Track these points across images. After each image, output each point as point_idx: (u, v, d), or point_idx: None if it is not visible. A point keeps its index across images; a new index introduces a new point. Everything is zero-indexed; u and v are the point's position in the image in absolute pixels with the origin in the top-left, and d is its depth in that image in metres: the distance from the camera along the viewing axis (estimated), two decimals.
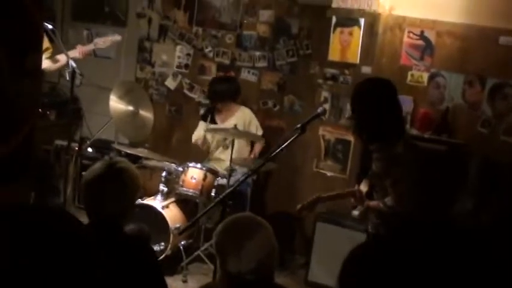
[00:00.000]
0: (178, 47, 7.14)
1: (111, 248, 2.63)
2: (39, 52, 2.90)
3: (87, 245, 2.16)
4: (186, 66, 7.13)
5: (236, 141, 6.03)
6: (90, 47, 6.18)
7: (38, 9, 2.71)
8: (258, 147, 6.42)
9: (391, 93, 4.05)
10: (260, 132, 6.38)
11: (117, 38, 6.29)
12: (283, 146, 4.08)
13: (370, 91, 4.06)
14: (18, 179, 2.86)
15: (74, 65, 5.62)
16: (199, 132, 6.39)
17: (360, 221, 4.85)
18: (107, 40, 6.28)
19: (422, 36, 5.95)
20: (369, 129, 4.00)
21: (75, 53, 6.00)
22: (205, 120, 6.31)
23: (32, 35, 2.70)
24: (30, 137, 2.90)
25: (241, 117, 6.35)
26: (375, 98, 4.00)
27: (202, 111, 6.91)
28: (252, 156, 6.35)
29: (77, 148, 6.62)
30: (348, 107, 5.98)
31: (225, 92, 6.29)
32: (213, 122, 6.34)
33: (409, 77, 5.97)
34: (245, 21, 6.83)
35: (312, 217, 6.03)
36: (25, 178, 2.98)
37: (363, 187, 4.24)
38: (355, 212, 4.37)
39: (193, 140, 6.48)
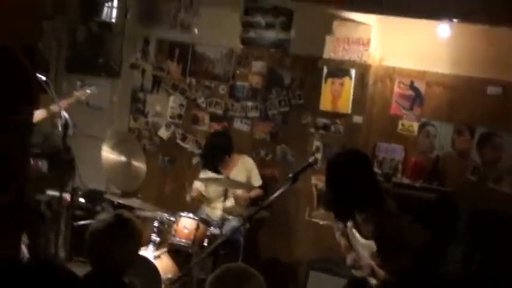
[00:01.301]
0: (172, 98, 7.21)
1: None
2: (31, 104, 2.95)
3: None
4: (179, 116, 7.19)
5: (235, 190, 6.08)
6: (71, 99, 6.27)
7: (30, 61, 2.76)
8: (254, 193, 6.39)
9: (362, 164, 4.08)
10: (259, 182, 6.40)
11: (93, 90, 6.43)
12: (275, 195, 4.11)
13: (340, 168, 4.11)
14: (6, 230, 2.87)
15: (67, 115, 5.66)
16: (198, 183, 6.44)
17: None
18: (84, 92, 6.40)
19: (412, 86, 6.05)
20: (347, 204, 4.02)
21: (70, 100, 6.11)
22: (208, 168, 6.34)
23: (25, 87, 2.74)
24: (21, 189, 2.93)
25: (244, 166, 6.38)
26: (350, 170, 4.02)
27: (195, 161, 6.96)
28: (246, 196, 6.30)
29: (69, 199, 6.62)
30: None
31: (219, 148, 6.29)
32: (217, 172, 6.34)
33: (399, 126, 6.05)
34: (238, 72, 6.92)
35: (305, 265, 6.04)
36: (15, 231, 2.99)
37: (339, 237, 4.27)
38: (349, 262, 4.38)
39: (192, 194, 6.51)
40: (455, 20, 5.68)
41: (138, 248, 3.12)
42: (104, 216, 3.09)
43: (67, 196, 6.55)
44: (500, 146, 5.70)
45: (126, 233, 2.97)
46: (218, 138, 6.44)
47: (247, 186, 6.29)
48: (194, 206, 6.50)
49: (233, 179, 6.05)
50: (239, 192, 6.24)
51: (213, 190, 6.47)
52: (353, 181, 3.97)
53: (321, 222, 6.37)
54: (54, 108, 5.91)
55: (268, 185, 6.55)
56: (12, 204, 2.87)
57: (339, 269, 5.69)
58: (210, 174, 6.34)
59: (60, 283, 1.93)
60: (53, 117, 6.23)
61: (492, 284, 5.29)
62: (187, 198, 6.42)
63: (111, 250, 2.94)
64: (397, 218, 3.99)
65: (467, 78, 5.83)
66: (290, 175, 4.10)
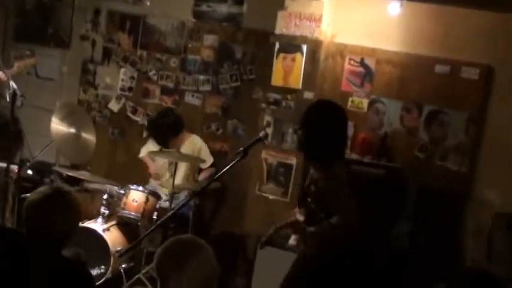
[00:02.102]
0: (122, 70, 7.15)
1: (48, 268, 2.63)
2: None
3: (30, 254, 2.17)
4: (130, 89, 7.13)
5: (183, 170, 6.06)
6: (13, 71, 6.14)
7: None
8: (205, 173, 6.43)
9: (342, 119, 4.19)
10: (210, 160, 6.42)
11: (36, 60, 6.30)
12: (224, 170, 4.12)
13: (322, 112, 4.20)
14: None
15: (15, 86, 5.56)
16: (146, 150, 6.44)
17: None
18: (26, 63, 6.27)
19: (362, 63, 6.10)
20: (314, 147, 4.11)
21: (13, 71, 5.98)
22: (158, 144, 6.35)
23: None
24: None
25: (190, 145, 6.39)
26: (327, 120, 4.12)
27: (145, 134, 6.93)
28: (198, 179, 6.37)
29: (16, 170, 6.52)
30: (290, 131, 6.10)
31: (165, 128, 6.28)
32: (166, 147, 6.34)
33: (349, 103, 6.11)
34: (189, 46, 6.89)
35: (254, 239, 6.08)
36: None
37: (300, 216, 4.30)
38: (292, 242, 4.42)
39: (140, 155, 6.51)
40: None
41: (76, 221, 3.08)
42: (42, 188, 3.04)
43: (15, 168, 6.46)
44: (447, 123, 5.80)
45: (63, 206, 2.94)
46: (162, 117, 6.41)
47: (196, 159, 6.29)
48: (144, 178, 6.50)
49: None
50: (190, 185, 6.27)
51: (161, 165, 6.47)
52: (332, 126, 4.09)
53: (271, 197, 6.41)
54: (1, 77, 5.80)
55: (218, 158, 6.58)
56: None
57: (287, 242, 5.75)
58: (151, 145, 6.35)
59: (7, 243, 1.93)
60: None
61: (437, 258, 5.42)
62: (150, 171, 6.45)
63: (47, 222, 2.90)
64: (345, 182, 4.07)
65: (416, 57, 5.90)
66: (240, 149, 4.10)
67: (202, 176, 6.45)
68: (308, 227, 4.16)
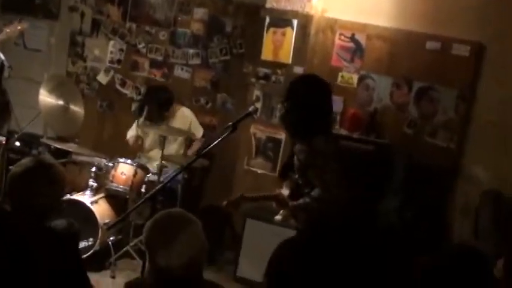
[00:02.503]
0: (111, 42, 7.10)
1: (33, 239, 2.63)
2: None
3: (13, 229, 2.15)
4: (119, 61, 7.09)
5: (174, 142, 6.05)
6: (1, 36, 6.07)
7: None
8: (196, 146, 6.41)
9: (326, 93, 4.19)
10: (200, 133, 6.40)
11: (24, 25, 6.21)
12: (214, 144, 4.11)
13: (307, 86, 4.19)
14: None
15: (3, 57, 5.52)
16: (134, 130, 6.40)
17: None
18: (15, 28, 6.19)
19: (353, 38, 6.08)
20: (297, 121, 4.11)
21: (1, 36, 5.91)
22: (149, 120, 6.33)
23: None
24: None
25: (181, 118, 6.36)
26: (310, 94, 4.12)
27: (134, 107, 6.90)
28: (190, 153, 6.35)
29: (4, 142, 6.48)
30: (280, 106, 6.09)
31: (157, 104, 6.25)
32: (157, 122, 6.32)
33: (339, 78, 6.09)
34: (179, 19, 6.84)
35: (241, 213, 6.09)
36: None
37: (284, 191, 4.32)
38: (278, 217, 4.43)
39: (127, 137, 6.48)
40: None
41: (60, 194, 3.07)
42: (25, 160, 3.03)
43: (2, 139, 6.42)
44: (436, 100, 5.80)
45: (45, 178, 2.92)
46: (158, 92, 6.38)
47: (187, 133, 6.28)
48: (132, 152, 6.48)
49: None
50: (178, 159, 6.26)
51: (150, 139, 6.45)
52: (315, 100, 4.09)
53: (259, 171, 6.42)
54: None
55: (207, 132, 6.57)
56: None
57: (274, 217, 5.77)
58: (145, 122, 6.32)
59: None
60: None
61: (424, 234, 5.45)
62: (128, 137, 6.42)
63: (29, 195, 2.89)
64: (329, 156, 4.08)
65: (407, 32, 5.88)
66: (230, 123, 4.09)
67: (194, 147, 6.41)
68: (293, 201, 4.19)
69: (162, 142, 5.85)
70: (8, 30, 6.11)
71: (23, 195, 2.88)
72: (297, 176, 4.22)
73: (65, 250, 2.93)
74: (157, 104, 6.25)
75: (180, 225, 2.65)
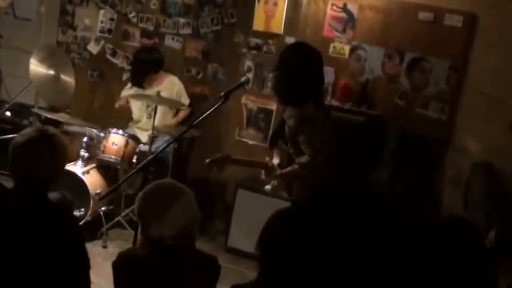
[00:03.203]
0: (102, 12, 7.02)
1: (35, 212, 2.62)
2: None
3: (10, 208, 2.15)
4: (109, 31, 7.03)
5: (160, 109, 6.03)
6: None
7: None
8: (182, 114, 6.41)
9: (316, 61, 4.21)
10: (187, 102, 6.37)
11: None
12: (206, 114, 4.11)
13: (298, 54, 4.21)
14: None
15: None
16: (123, 94, 6.41)
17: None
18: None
19: (345, 9, 6.05)
20: (288, 89, 4.15)
21: None
22: (133, 84, 6.32)
23: None
24: None
25: (169, 86, 6.33)
26: (301, 62, 4.15)
27: (124, 77, 6.87)
28: (174, 121, 6.35)
29: None
30: (271, 76, 6.07)
31: (147, 64, 6.23)
32: (141, 87, 6.30)
33: (331, 49, 6.07)
34: None
35: (233, 184, 6.11)
36: None
37: (275, 160, 4.34)
38: (268, 187, 4.46)
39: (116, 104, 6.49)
40: None
41: (62, 164, 3.07)
42: (28, 130, 3.01)
43: None
44: (428, 71, 5.80)
45: (49, 148, 2.91)
46: (146, 53, 6.36)
47: (175, 103, 6.25)
48: (125, 122, 6.47)
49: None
50: (167, 121, 6.26)
51: (139, 108, 6.42)
52: (301, 70, 4.12)
53: (250, 142, 6.43)
54: None
55: (198, 103, 6.55)
56: None
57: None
58: (135, 90, 6.30)
59: None
60: None
61: (415, 205, 5.47)
62: (116, 105, 6.40)
63: (33, 165, 2.88)
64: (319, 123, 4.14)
65: (399, 3, 5.86)
66: (221, 94, 4.09)
67: (180, 116, 6.40)
68: (282, 169, 4.21)
69: (153, 111, 5.83)
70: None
71: (25, 166, 2.87)
72: (287, 145, 4.24)
73: (64, 223, 2.94)
74: (146, 64, 6.22)
75: (172, 196, 2.66)
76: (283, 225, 2.36)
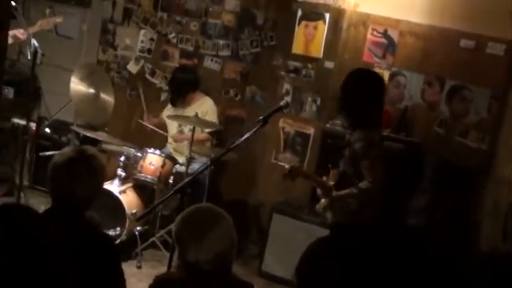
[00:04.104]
0: (142, 31, 7.10)
1: (72, 232, 2.62)
2: (4, 30, 2.86)
3: (44, 236, 2.14)
4: (149, 51, 7.09)
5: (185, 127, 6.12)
6: (34, 28, 6.10)
7: None
8: (201, 137, 6.32)
9: (381, 86, 4.33)
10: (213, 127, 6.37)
11: (58, 19, 6.27)
12: (244, 137, 4.09)
13: (373, 79, 4.33)
14: None
15: (37, 44, 5.54)
16: (164, 114, 6.47)
17: (317, 215, 4.92)
18: (49, 21, 6.24)
19: (385, 34, 6.02)
20: (355, 114, 4.21)
21: (34, 28, 5.95)
22: (171, 103, 6.37)
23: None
24: None
25: (199, 107, 6.33)
26: (376, 87, 4.26)
27: (163, 97, 6.92)
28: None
29: (34, 128, 6.52)
30: (309, 100, 6.06)
31: (183, 83, 6.26)
32: (178, 106, 6.34)
33: None
34: (210, 9, 6.81)
35: (268, 208, 6.08)
36: None
37: (331, 180, 4.35)
38: (319, 205, 4.45)
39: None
40: None
41: (100, 185, 3.06)
42: (67, 150, 3.02)
43: (32, 125, 6.46)
44: (469, 99, 5.73)
45: (87, 170, 2.91)
46: (182, 72, 6.38)
47: (212, 125, 6.23)
48: (162, 142, 6.49)
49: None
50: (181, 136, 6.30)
51: (173, 128, 6.45)
52: (368, 96, 4.20)
53: (286, 166, 6.37)
54: (19, 34, 5.76)
55: (235, 125, 6.56)
56: None
57: (302, 213, 5.76)
58: (172, 110, 6.34)
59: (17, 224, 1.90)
60: (19, 43, 6.09)
61: (452, 235, 5.40)
62: (144, 119, 6.43)
63: (71, 186, 2.88)
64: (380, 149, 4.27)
65: (441, 29, 5.81)
66: (260, 117, 4.08)
67: (199, 137, 6.34)
68: (338, 191, 4.26)
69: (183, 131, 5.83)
70: (42, 23, 6.14)
71: (64, 186, 2.88)
72: (344, 167, 4.27)
73: (101, 244, 2.94)
74: (182, 83, 6.25)
75: (210, 221, 2.65)
76: (323, 255, 2.33)
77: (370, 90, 4.22)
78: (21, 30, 5.81)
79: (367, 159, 4.10)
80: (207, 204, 2.91)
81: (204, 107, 6.33)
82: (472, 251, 5.42)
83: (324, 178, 4.41)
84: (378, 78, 4.39)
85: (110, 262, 2.95)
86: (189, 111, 6.15)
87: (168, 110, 6.45)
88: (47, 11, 6.83)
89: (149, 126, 6.38)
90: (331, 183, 4.34)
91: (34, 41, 5.54)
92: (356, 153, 4.15)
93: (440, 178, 5.62)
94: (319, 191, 4.40)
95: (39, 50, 5.54)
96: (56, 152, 4.57)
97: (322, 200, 4.39)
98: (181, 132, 6.35)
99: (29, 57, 5.67)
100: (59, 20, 6.31)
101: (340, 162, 4.39)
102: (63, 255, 2.26)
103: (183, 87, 6.27)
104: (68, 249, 2.29)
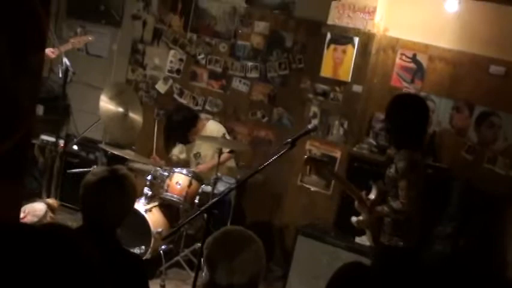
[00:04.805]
0: (172, 52, 7.16)
1: (103, 251, 2.63)
2: (42, 51, 2.91)
3: (80, 249, 2.16)
4: (178, 71, 7.14)
5: (204, 152, 6.19)
6: (66, 46, 6.19)
7: (46, 9, 2.72)
8: (223, 157, 6.33)
9: (423, 109, 4.38)
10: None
11: (90, 38, 6.37)
12: (272, 159, 4.10)
13: (420, 102, 4.46)
14: (10, 177, 2.84)
15: (68, 62, 5.62)
16: (174, 152, 6.54)
17: (342, 238, 4.91)
18: (81, 40, 6.33)
19: (414, 59, 6.02)
20: (401, 135, 4.28)
21: (66, 46, 6.05)
22: (181, 142, 6.45)
23: (37, 34, 2.70)
24: (27, 136, 2.90)
25: (209, 133, 6.33)
26: (411, 110, 4.31)
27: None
28: (213, 162, 6.30)
29: (62, 145, 6.60)
30: (336, 123, 6.07)
31: (182, 123, 6.30)
32: (188, 143, 6.45)
33: None
34: (240, 31, 6.86)
35: (293, 230, 6.07)
36: (18, 176, 2.96)
37: (372, 195, 4.37)
38: (354, 219, 4.45)
39: (170, 155, 6.56)
40: None
41: (131, 204, 3.07)
42: (99, 169, 3.04)
43: (60, 142, 6.54)
44: (497, 126, 5.70)
45: (119, 189, 2.92)
46: (176, 114, 6.41)
47: (240, 145, 6.24)
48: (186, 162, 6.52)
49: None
50: (203, 166, 6.31)
51: (193, 165, 6.48)
52: (412, 118, 4.30)
53: (312, 189, 6.38)
54: (50, 52, 5.85)
55: (262, 147, 6.58)
56: (13, 150, 2.83)
57: (327, 235, 5.75)
58: (181, 147, 6.40)
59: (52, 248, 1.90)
60: (50, 61, 6.17)
61: (478, 263, 5.35)
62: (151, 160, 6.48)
63: (103, 205, 2.89)
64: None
65: (470, 55, 5.80)
66: (289, 140, 4.08)
67: (222, 158, 6.35)
68: (376, 206, 4.32)
69: (198, 160, 5.86)
70: (73, 41, 6.24)
71: (96, 205, 2.90)
72: (387, 184, 4.32)
73: (131, 262, 2.95)
74: (181, 123, 6.30)
75: (243, 243, 2.64)
76: (353, 280, 2.33)
77: (416, 114, 4.31)
78: (52, 49, 5.90)
79: (405, 179, 4.13)
80: (237, 227, 2.90)
81: (209, 132, 6.32)
82: (499, 279, 5.37)
83: (372, 190, 4.44)
84: (423, 102, 4.50)
85: (139, 282, 2.96)
86: (199, 143, 6.31)
87: (178, 148, 6.50)
88: (79, 30, 6.94)
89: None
90: (372, 197, 4.38)
91: (66, 60, 5.63)
92: (397, 172, 4.19)
93: (467, 204, 5.58)
94: (356, 204, 4.40)
95: (70, 69, 5.62)
96: (84, 170, 4.64)
97: (361, 215, 4.41)
98: (198, 163, 6.37)
99: (60, 75, 5.75)
100: (90, 38, 6.41)
101: (373, 184, 4.41)
102: (98, 275, 2.27)
103: (183, 127, 6.31)
104: (101, 269, 2.29)
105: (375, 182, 4.45)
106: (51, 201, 5.31)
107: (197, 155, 6.44)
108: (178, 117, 6.34)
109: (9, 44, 2.56)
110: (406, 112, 4.31)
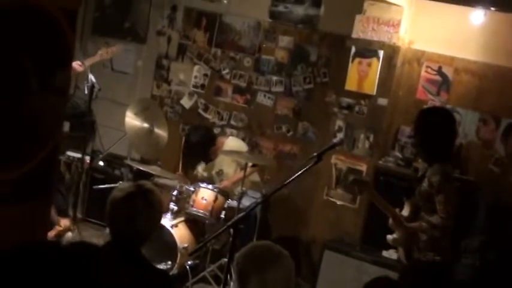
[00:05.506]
0: (196, 67, 7.19)
1: (130, 268, 2.64)
2: (68, 68, 2.93)
3: (107, 265, 2.17)
4: (203, 86, 7.17)
5: (226, 169, 6.25)
6: (95, 58, 6.24)
7: (72, 27, 2.74)
8: (247, 172, 6.32)
9: (452, 122, 4.40)
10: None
11: (118, 48, 6.42)
12: (298, 174, 4.08)
13: (448, 115, 4.46)
14: (38, 195, 2.86)
15: (94, 79, 5.66)
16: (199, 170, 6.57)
17: (369, 252, 4.88)
18: (109, 51, 6.38)
19: (439, 71, 5.99)
20: (431, 150, 4.28)
21: (94, 59, 6.10)
22: (203, 161, 6.48)
23: (63, 52, 2.73)
24: (54, 154, 2.92)
25: (228, 149, 6.33)
26: (441, 124, 4.32)
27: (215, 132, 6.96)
28: (238, 176, 6.29)
29: (88, 161, 6.64)
30: (362, 137, 6.04)
31: (201, 143, 6.31)
32: (210, 160, 6.48)
33: None
34: (264, 46, 6.87)
35: (319, 245, 6.05)
36: (46, 193, 2.98)
37: (404, 212, 4.34)
38: (390, 237, 4.42)
39: (195, 172, 6.57)
40: (493, 9, 5.62)
41: (158, 219, 3.08)
42: (125, 185, 3.05)
43: (87, 158, 6.58)
44: None
45: (146, 204, 2.93)
46: (194, 134, 6.41)
47: (266, 160, 6.25)
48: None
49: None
50: (227, 181, 6.30)
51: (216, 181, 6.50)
52: (440, 132, 4.29)
53: (338, 203, 6.35)
54: (77, 66, 5.89)
55: (287, 161, 6.57)
56: (39, 169, 2.85)
57: (353, 250, 5.72)
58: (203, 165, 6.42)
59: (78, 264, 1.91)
60: (76, 77, 6.22)
61: (507, 277, 5.28)
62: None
63: (130, 221, 2.90)
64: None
65: (496, 67, 5.76)
66: (315, 154, 4.06)
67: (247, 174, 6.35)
68: (409, 223, 4.28)
69: (242, 168, 5.87)
70: (101, 53, 6.28)
71: (123, 221, 2.90)
72: (420, 200, 4.29)
73: (158, 279, 2.95)
74: (200, 143, 6.30)
75: (272, 258, 2.64)
76: None
77: (445, 127, 4.32)
78: (79, 62, 5.94)
79: (442, 194, 4.10)
80: (266, 241, 2.89)
81: (230, 149, 6.30)
82: None
83: (405, 207, 4.41)
84: (451, 115, 4.52)
85: None
86: (220, 160, 6.33)
87: (201, 167, 6.54)
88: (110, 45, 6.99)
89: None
90: (405, 213, 4.35)
91: (91, 76, 5.67)
92: (432, 187, 4.15)
93: (494, 217, 5.52)
94: (391, 222, 4.38)
95: (96, 85, 5.65)
96: (110, 186, 4.66)
97: (396, 232, 4.37)
98: (221, 180, 6.38)
99: (86, 92, 5.79)
100: (117, 49, 6.45)
101: (406, 201, 4.41)
102: None
103: (202, 146, 6.32)
104: (128, 286, 2.30)
105: (408, 198, 4.41)
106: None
107: (219, 173, 6.45)
108: (196, 137, 6.34)
109: (36, 62, 2.58)
110: (436, 126, 4.29)
